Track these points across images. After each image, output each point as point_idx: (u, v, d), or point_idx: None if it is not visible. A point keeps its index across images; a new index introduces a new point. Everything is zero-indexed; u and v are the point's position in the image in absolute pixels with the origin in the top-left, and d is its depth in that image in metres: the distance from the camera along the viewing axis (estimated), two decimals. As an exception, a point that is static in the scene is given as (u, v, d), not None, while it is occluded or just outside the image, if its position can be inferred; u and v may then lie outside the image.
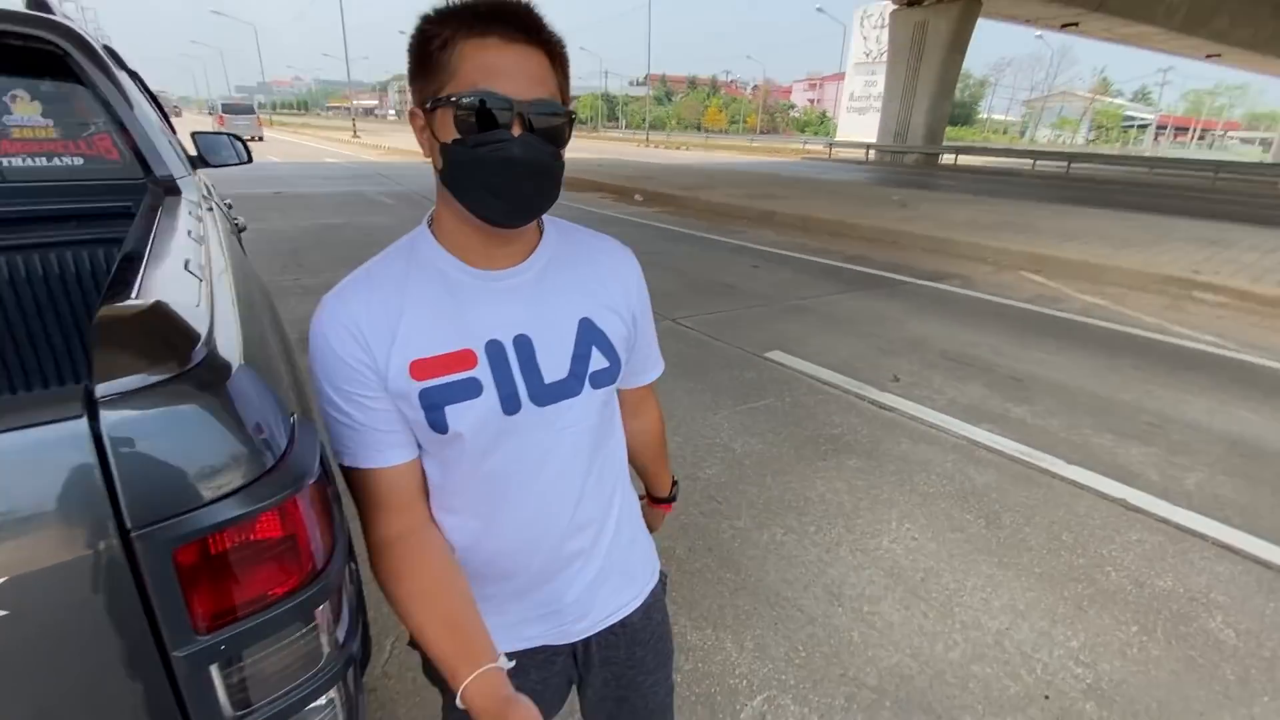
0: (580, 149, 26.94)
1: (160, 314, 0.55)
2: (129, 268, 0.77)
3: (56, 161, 1.54)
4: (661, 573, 0.98)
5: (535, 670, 0.86)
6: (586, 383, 0.76)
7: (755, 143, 41.17)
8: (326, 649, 0.64)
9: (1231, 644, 1.92)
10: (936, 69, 22.09)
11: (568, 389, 0.75)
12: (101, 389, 0.50)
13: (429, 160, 0.69)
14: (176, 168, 1.53)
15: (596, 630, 0.87)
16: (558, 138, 0.68)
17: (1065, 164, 23.24)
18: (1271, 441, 3.16)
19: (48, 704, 0.55)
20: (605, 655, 0.89)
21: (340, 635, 0.66)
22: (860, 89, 42.85)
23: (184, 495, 0.51)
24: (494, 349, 0.71)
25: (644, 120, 58.79)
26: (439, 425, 0.70)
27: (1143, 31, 25.10)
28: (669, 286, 5.68)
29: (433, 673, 0.83)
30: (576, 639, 0.86)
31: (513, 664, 0.71)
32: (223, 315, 0.70)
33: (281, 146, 25.49)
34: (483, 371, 0.70)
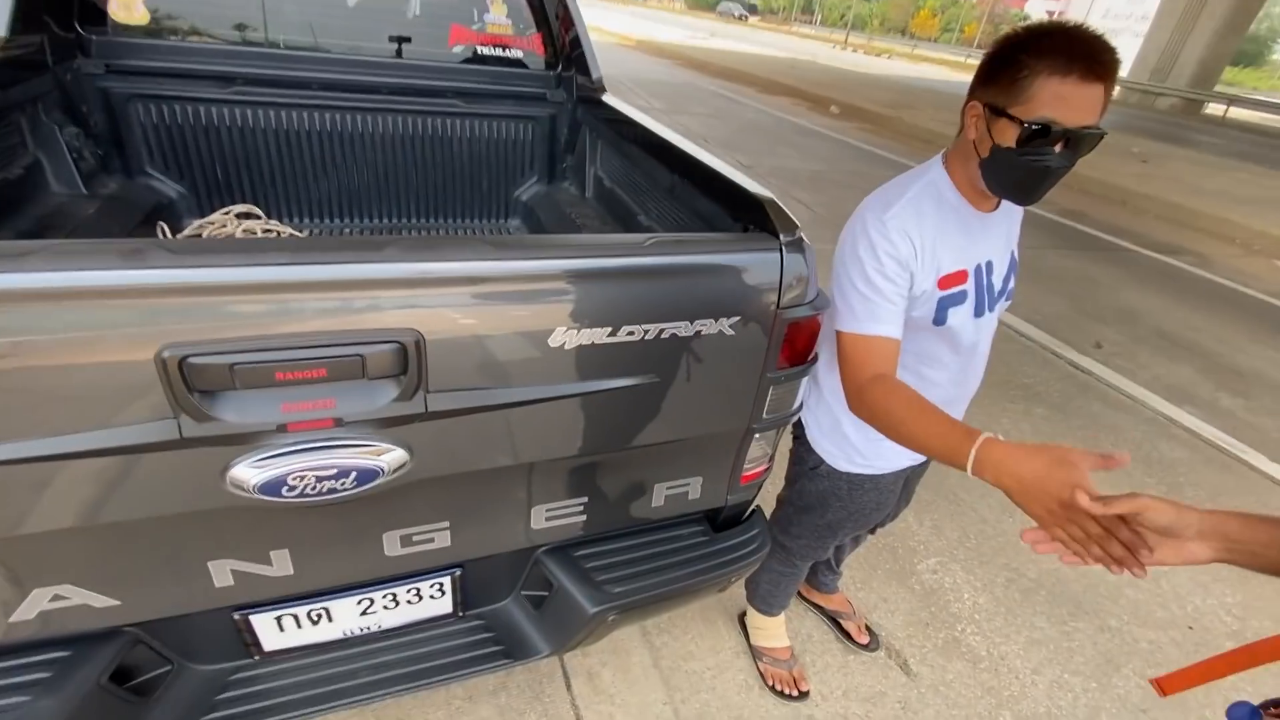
0: (768, 44, 25.33)
1: (774, 203, 1.03)
2: (694, 154, 1.29)
3: (508, 52, 2.09)
4: None
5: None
6: (1003, 298, 1.13)
7: (970, 59, 33.37)
8: (798, 401, 1.15)
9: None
10: (1237, -13, 17.46)
11: (997, 301, 1.11)
12: (782, 237, 0.97)
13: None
14: (597, 71, 2.02)
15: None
16: (1086, 149, 0.86)
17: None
18: None
19: (724, 380, 1.02)
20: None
21: (799, 401, 1.16)
22: (1122, 4, 35.68)
23: (797, 297, 0.98)
24: (977, 270, 1.05)
25: (842, 17, 52.72)
26: (941, 320, 1.04)
27: None
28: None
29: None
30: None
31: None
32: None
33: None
34: (970, 286, 1.05)
